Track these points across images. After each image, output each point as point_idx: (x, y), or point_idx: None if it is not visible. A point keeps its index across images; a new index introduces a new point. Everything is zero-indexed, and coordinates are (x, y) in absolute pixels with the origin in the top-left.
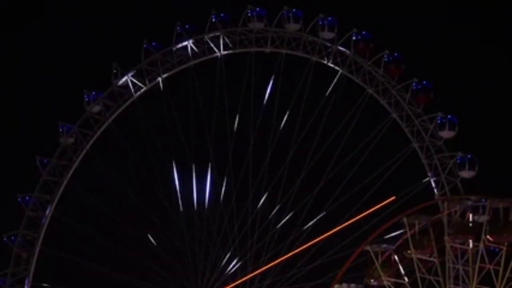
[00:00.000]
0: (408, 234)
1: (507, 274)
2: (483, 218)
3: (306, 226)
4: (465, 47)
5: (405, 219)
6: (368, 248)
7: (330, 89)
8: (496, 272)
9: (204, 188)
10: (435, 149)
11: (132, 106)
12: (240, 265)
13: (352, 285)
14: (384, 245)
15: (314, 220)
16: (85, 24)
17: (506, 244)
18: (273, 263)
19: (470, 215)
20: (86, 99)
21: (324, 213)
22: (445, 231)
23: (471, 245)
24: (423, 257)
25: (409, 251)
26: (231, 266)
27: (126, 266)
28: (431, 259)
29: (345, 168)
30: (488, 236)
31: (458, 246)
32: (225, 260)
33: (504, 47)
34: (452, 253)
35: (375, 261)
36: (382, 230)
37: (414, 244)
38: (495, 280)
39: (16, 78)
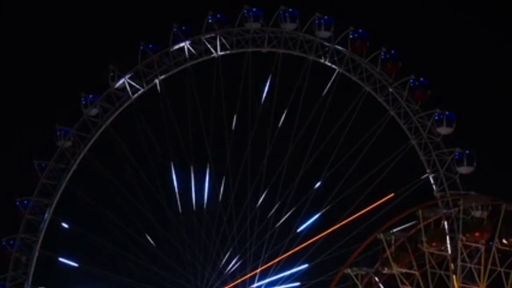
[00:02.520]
0: (388, 252)
1: (489, 267)
2: (483, 214)
3: (305, 224)
4: (462, 43)
5: (381, 235)
6: (348, 271)
7: (327, 87)
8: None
9: (203, 188)
10: (433, 145)
11: (130, 108)
12: (240, 264)
13: None
14: (365, 268)
15: (313, 218)
16: (82, 26)
17: (484, 242)
18: (272, 262)
19: (445, 222)
20: (84, 102)
21: (324, 211)
22: (422, 240)
23: (449, 250)
24: (404, 271)
25: (386, 268)
26: (230, 265)
27: (126, 268)
28: (412, 271)
29: (343, 166)
30: (461, 236)
31: (436, 252)
32: (224, 260)
33: (502, 43)
34: (433, 260)
35: (358, 283)
36: (361, 250)
37: (393, 260)
38: (477, 278)
39: (14, 81)
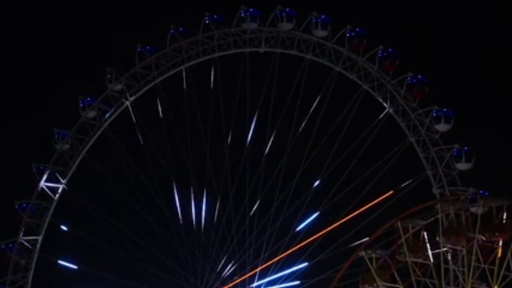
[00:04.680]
0: (372, 270)
1: (471, 272)
2: (479, 210)
3: (305, 223)
4: (459, 40)
5: (363, 253)
6: None
7: (325, 86)
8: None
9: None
10: (432, 142)
11: (128, 110)
12: (239, 264)
13: None
14: None
15: (313, 216)
16: (79, 29)
17: (464, 245)
18: (271, 262)
19: (425, 234)
20: (81, 105)
21: (323, 209)
22: (402, 251)
23: (431, 259)
24: (389, 285)
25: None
26: (229, 266)
27: (126, 270)
28: (397, 286)
29: (342, 164)
30: (437, 239)
31: (419, 261)
32: (223, 260)
33: (500, 40)
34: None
35: None
36: (344, 271)
37: (377, 274)
38: (463, 282)
39: (11, 84)
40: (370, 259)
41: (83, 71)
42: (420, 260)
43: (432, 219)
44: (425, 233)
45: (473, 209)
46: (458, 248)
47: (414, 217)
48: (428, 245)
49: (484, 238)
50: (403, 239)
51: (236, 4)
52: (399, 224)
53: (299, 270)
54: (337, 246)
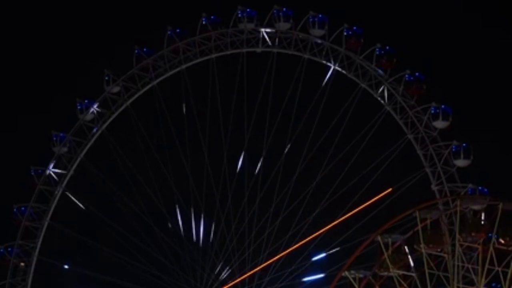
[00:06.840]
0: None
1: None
2: (479, 207)
3: (304, 222)
4: (457, 38)
5: (347, 273)
6: None
7: (323, 85)
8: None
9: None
10: (430, 139)
11: (126, 112)
12: (238, 264)
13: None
14: None
15: (313, 214)
16: (76, 31)
17: (446, 250)
18: (270, 261)
19: (406, 247)
20: (79, 107)
21: (323, 207)
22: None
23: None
24: None
25: None
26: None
27: (125, 272)
28: None
29: (341, 162)
30: (420, 245)
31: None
32: (223, 261)
33: (498, 38)
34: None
35: None
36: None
37: None
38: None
39: (9, 87)
40: (354, 279)
41: (80, 73)
42: (404, 272)
43: (411, 232)
44: (406, 247)
45: (474, 207)
46: (441, 254)
47: (393, 232)
48: (409, 257)
49: (461, 239)
50: (386, 255)
51: (233, 5)
52: (379, 239)
53: (302, 267)
54: (335, 245)
